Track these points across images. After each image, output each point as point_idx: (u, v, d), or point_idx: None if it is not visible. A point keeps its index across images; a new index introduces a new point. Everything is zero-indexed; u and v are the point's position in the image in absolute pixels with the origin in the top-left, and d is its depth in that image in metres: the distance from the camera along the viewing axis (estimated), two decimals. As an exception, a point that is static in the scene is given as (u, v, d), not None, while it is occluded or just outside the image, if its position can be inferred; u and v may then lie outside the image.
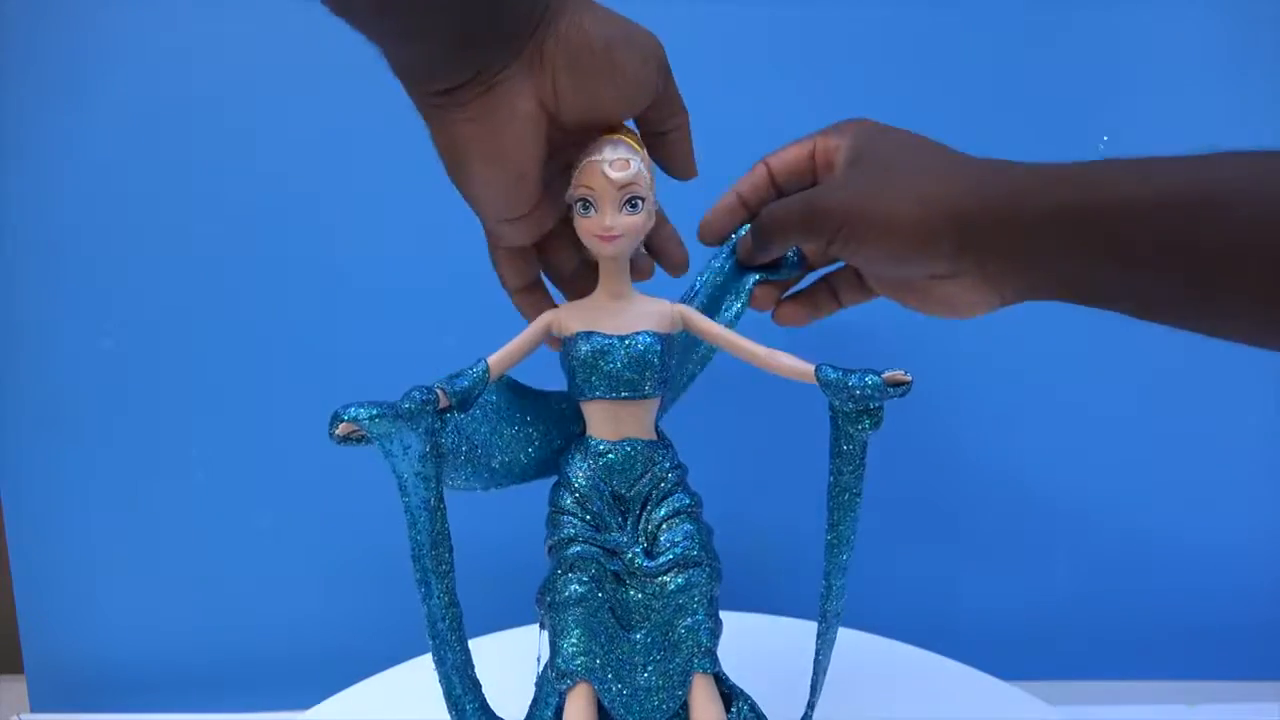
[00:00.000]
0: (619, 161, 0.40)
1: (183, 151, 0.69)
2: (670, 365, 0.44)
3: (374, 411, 0.38)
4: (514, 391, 0.45)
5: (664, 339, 0.43)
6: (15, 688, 0.77)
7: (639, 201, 0.41)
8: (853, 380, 0.39)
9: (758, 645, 0.51)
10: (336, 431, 0.38)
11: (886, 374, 0.39)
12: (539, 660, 0.45)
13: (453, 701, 0.43)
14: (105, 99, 0.68)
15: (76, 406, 0.72)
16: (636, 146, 0.41)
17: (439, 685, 0.43)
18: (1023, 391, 0.75)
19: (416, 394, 0.39)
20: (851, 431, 0.41)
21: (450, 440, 0.41)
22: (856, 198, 0.41)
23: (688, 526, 0.44)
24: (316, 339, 0.72)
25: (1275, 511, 0.75)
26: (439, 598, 0.41)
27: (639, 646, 0.43)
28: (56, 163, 0.69)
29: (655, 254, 0.45)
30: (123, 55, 0.68)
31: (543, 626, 0.44)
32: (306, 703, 0.62)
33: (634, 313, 0.43)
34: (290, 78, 0.69)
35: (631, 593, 0.44)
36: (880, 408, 0.40)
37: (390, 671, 0.64)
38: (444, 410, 0.41)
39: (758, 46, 0.71)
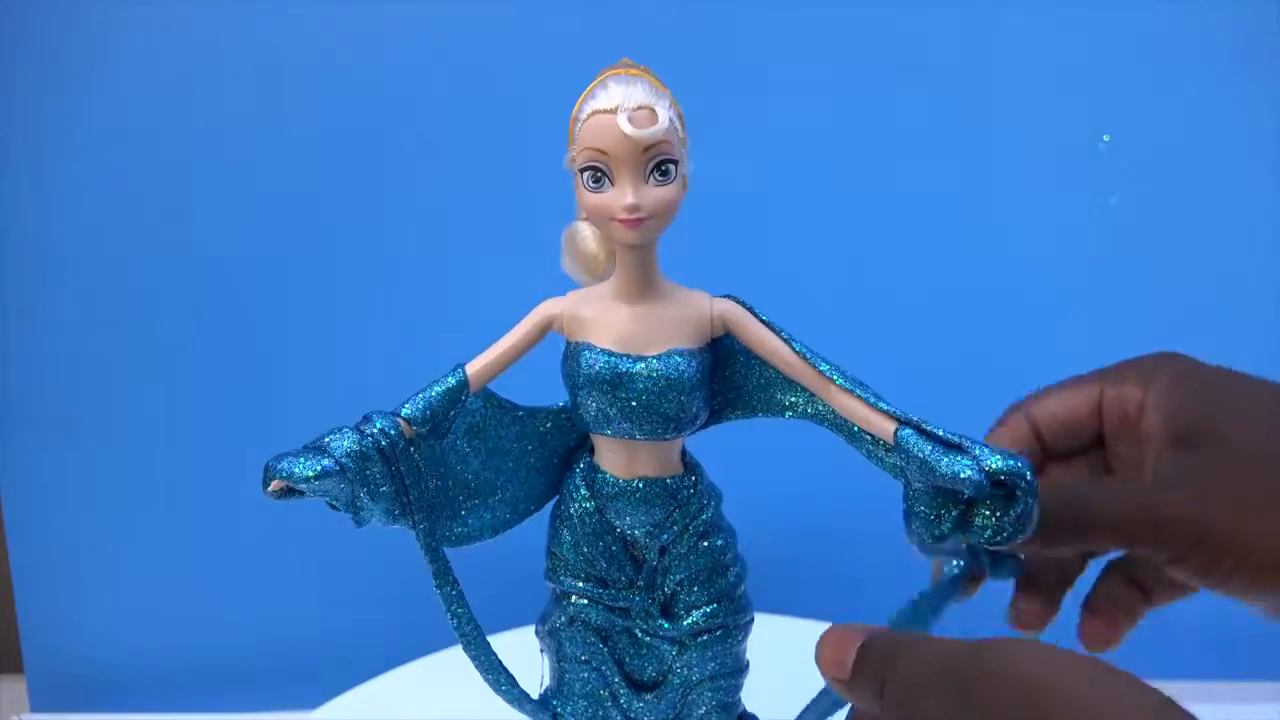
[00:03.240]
0: (641, 112, 0.29)
1: (184, 151, 0.69)
2: (703, 393, 0.35)
3: (316, 468, 0.30)
4: (500, 409, 0.36)
5: (698, 361, 0.34)
6: (15, 688, 0.77)
7: (671, 166, 0.30)
8: (945, 464, 0.29)
9: (770, 647, 0.50)
10: (269, 490, 0.31)
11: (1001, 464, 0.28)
12: (542, 681, 0.41)
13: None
14: (106, 98, 0.68)
15: (76, 407, 0.72)
16: (658, 85, 0.30)
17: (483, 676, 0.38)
18: (1022, 389, 0.75)
19: (369, 439, 0.32)
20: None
21: (432, 484, 0.35)
22: (1217, 505, 0.29)
23: (719, 585, 0.37)
24: (317, 338, 0.72)
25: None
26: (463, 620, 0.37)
27: (649, 706, 0.38)
28: (56, 162, 0.69)
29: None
30: (124, 55, 0.68)
31: (543, 651, 0.41)
32: (312, 702, 0.62)
33: (661, 320, 0.33)
34: (290, 77, 0.69)
35: (644, 644, 0.38)
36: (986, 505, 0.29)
37: (397, 671, 0.64)
38: (412, 440, 0.34)
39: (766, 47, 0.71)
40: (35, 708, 0.76)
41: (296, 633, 0.75)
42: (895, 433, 0.31)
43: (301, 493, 0.31)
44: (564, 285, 0.38)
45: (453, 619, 0.37)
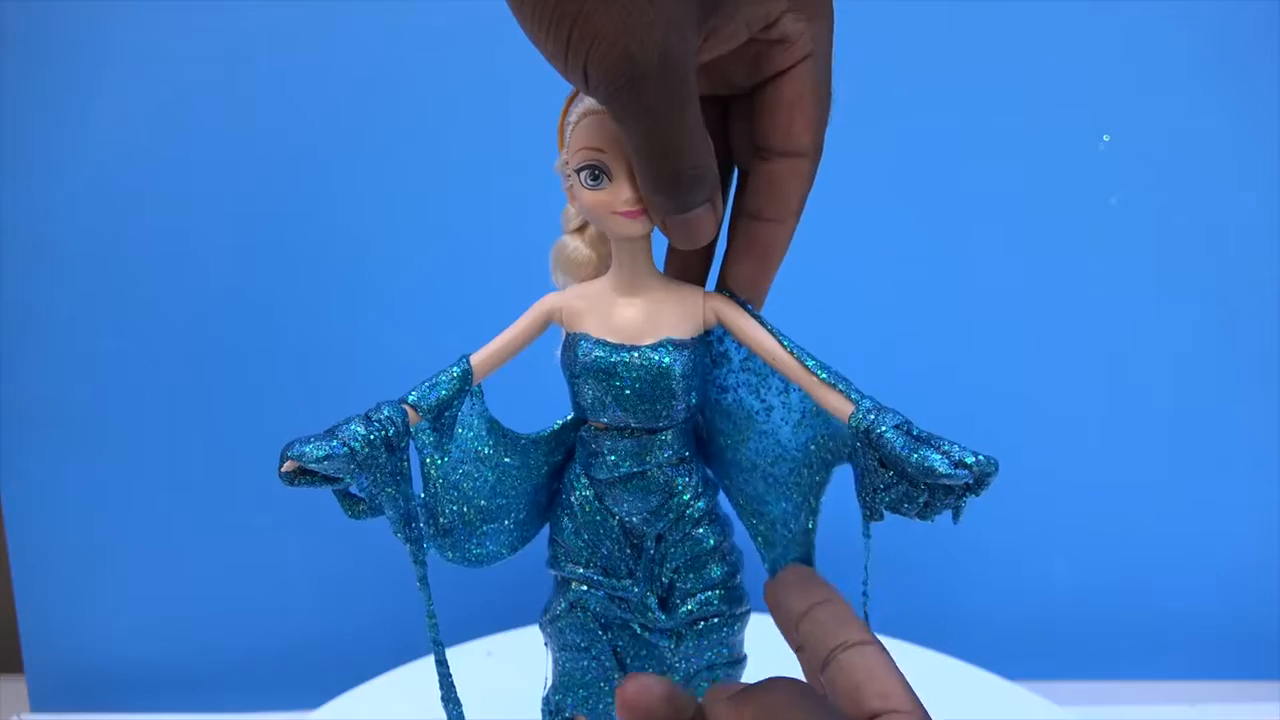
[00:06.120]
0: None
1: (183, 151, 0.69)
2: (696, 383, 0.36)
3: (325, 449, 0.32)
4: (504, 438, 0.38)
5: (689, 351, 0.35)
6: (15, 688, 0.77)
7: None
8: (916, 458, 0.31)
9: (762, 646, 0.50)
10: (282, 470, 0.33)
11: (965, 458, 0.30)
12: (545, 682, 0.42)
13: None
14: (105, 99, 0.68)
15: (76, 406, 0.72)
16: None
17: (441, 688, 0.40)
18: (1023, 390, 0.75)
19: (375, 425, 0.33)
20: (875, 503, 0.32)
21: (450, 509, 0.36)
22: None
23: (714, 573, 0.37)
24: (316, 338, 0.72)
25: (1277, 511, 0.75)
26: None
27: None
28: (56, 162, 0.69)
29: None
30: (124, 55, 0.68)
31: (546, 644, 0.41)
32: (312, 702, 0.62)
33: (655, 311, 0.34)
34: (289, 76, 0.69)
35: (643, 642, 0.39)
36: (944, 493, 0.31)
37: (397, 671, 0.64)
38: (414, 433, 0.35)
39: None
40: (35, 708, 0.76)
41: (296, 633, 0.75)
42: (852, 414, 0.33)
43: (312, 476, 0.33)
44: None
45: (435, 645, 0.38)
